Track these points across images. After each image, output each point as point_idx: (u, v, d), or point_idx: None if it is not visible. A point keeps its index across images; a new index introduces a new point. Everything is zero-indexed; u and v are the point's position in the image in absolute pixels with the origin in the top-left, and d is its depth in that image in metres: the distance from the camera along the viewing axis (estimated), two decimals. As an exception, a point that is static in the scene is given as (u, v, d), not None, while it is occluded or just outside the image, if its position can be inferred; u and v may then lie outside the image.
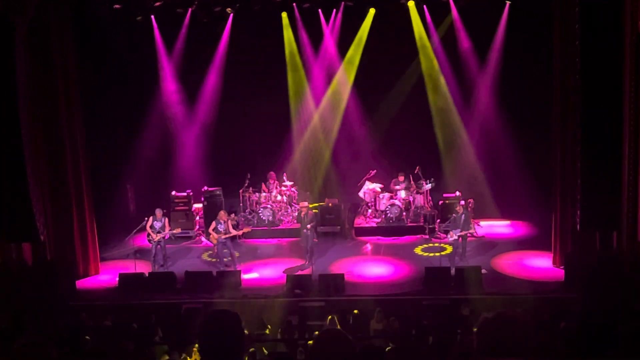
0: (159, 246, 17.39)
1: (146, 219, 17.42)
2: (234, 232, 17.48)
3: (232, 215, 18.77)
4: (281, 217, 20.69)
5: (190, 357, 10.64)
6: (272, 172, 20.95)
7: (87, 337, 10.94)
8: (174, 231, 17.90)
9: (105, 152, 19.62)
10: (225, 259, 17.60)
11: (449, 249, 17.35)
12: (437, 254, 17.08)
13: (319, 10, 20.64)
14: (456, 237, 16.75)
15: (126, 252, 18.84)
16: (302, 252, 17.94)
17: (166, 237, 17.54)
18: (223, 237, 17.20)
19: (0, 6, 14.60)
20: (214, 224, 17.40)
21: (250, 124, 21.99)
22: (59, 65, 16.50)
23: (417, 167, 20.38)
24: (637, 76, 14.17)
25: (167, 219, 17.67)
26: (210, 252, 18.62)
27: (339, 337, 4.05)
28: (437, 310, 14.40)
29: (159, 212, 17.49)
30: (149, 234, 17.38)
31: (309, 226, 17.22)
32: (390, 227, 19.90)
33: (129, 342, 10.81)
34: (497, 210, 20.51)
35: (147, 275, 16.82)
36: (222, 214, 17.58)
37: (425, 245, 18.71)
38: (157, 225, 17.35)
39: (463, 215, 16.86)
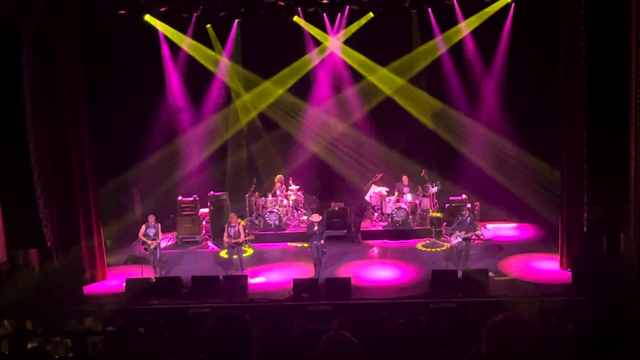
0: (155, 252, 17.23)
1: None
2: (242, 237, 17.36)
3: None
4: (287, 222, 20.69)
5: None
6: (280, 176, 20.98)
7: (96, 343, 10.95)
8: (169, 242, 17.56)
9: (111, 157, 19.64)
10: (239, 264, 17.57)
11: (446, 246, 17.79)
12: (438, 249, 18.37)
13: (324, 14, 20.66)
14: (460, 240, 16.71)
15: (124, 258, 18.87)
16: (309, 258, 17.86)
17: (161, 245, 17.48)
18: (233, 241, 17.15)
19: (6, 13, 14.65)
20: (226, 227, 17.38)
21: (256, 127, 22.01)
22: (65, 71, 16.56)
23: (423, 171, 20.38)
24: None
25: (159, 225, 17.39)
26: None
27: (346, 341, 4.03)
28: (444, 314, 14.36)
29: (151, 218, 17.24)
30: (144, 242, 17.31)
31: (322, 242, 17.00)
32: (397, 231, 19.88)
33: (136, 347, 10.81)
34: (504, 212, 20.51)
35: (154, 280, 16.83)
36: (233, 216, 17.51)
37: (428, 242, 19.41)
38: (151, 232, 17.11)
39: (469, 218, 16.82)
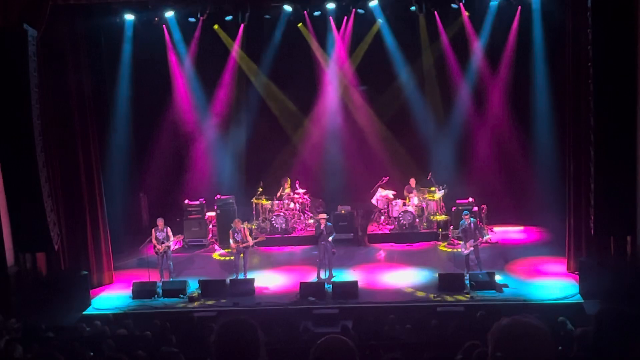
0: (165, 256, 17.25)
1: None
2: (250, 241, 17.34)
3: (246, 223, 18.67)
4: (294, 225, 20.69)
5: None
6: (287, 179, 20.99)
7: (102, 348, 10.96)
8: (172, 244, 17.52)
9: (118, 161, 19.68)
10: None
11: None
12: (456, 250, 17.69)
13: (330, 17, 20.65)
14: (472, 249, 16.54)
15: (134, 261, 18.88)
16: (314, 261, 17.83)
17: (172, 248, 17.50)
18: (242, 245, 17.14)
19: (13, 18, 14.70)
20: (231, 233, 17.39)
21: (262, 131, 22.04)
22: (72, 76, 16.61)
23: (430, 174, 20.36)
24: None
25: (169, 228, 17.38)
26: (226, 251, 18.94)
27: (341, 345, 4.02)
28: (451, 317, 14.32)
29: (160, 222, 17.26)
30: (154, 246, 17.31)
31: (330, 239, 16.96)
32: (404, 234, 19.86)
33: (143, 351, 10.82)
34: (511, 215, 20.46)
35: (160, 283, 16.84)
36: (237, 222, 17.50)
37: (446, 243, 19.44)
38: (160, 235, 17.15)
39: (472, 224, 16.68)
